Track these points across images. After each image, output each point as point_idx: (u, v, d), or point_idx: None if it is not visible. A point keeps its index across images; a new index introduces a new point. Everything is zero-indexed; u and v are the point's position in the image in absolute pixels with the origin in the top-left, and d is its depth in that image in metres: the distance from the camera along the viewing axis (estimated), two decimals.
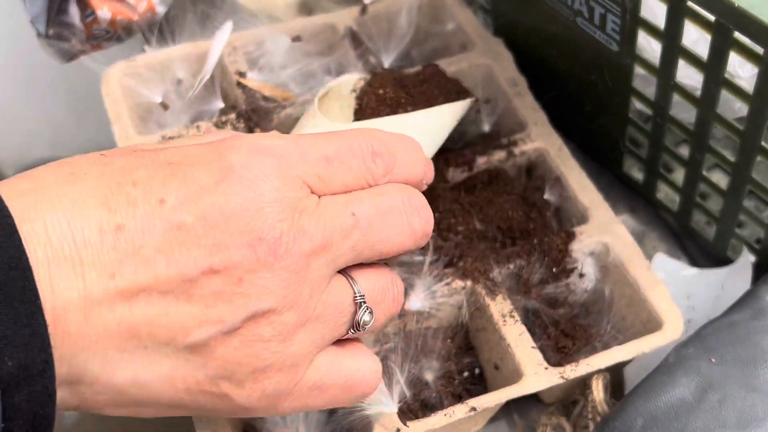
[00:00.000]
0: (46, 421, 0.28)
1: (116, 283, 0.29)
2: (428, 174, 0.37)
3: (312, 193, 0.32)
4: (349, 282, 0.33)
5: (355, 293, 0.33)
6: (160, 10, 0.59)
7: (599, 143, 0.59)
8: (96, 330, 0.29)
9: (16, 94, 1.52)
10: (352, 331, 0.34)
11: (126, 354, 0.29)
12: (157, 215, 0.30)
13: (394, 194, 0.34)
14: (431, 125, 0.46)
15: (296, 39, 0.59)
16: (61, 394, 0.29)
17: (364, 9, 0.61)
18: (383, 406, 0.42)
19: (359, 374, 0.34)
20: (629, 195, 0.59)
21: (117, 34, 0.59)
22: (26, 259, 0.28)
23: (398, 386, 0.45)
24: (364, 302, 0.33)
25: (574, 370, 0.44)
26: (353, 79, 0.51)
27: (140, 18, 0.58)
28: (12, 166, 1.70)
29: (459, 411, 0.43)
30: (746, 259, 0.52)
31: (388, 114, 0.48)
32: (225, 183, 0.30)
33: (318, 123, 0.45)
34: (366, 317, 0.33)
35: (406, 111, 0.48)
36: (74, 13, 0.57)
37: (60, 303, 0.28)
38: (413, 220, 0.34)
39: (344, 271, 0.34)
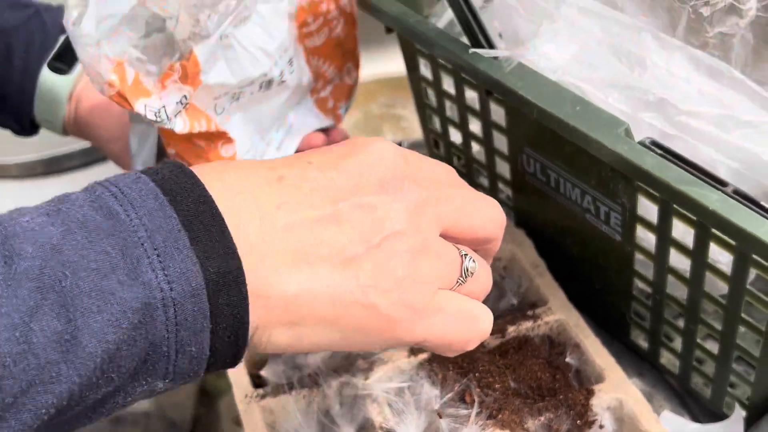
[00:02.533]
0: (242, 326, 0.35)
1: (283, 212, 0.37)
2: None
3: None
4: (448, 242, 0.42)
5: (459, 249, 0.42)
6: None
7: (609, 316, 0.70)
8: (270, 247, 0.36)
9: None
10: (461, 279, 0.41)
11: (294, 269, 0.36)
12: (308, 169, 0.39)
13: (475, 193, 0.45)
14: None
15: None
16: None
17: None
18: None
19: (477, 311, 0.42)
20: (637, 361, 0.69)
21: None
22: (210, 197, 0.35)
23: None
24: (468, 254, 0.42)
25: None
26: None
27: None
28: None
29: None
30: (738, 415, 0.61)
31: None
32: (355, 150, 0.41)
33: None
34: (471, 264, 0.42)
35: None
36: None
37: (240, 223, 0.36)
38: (492, 210, 0.45)
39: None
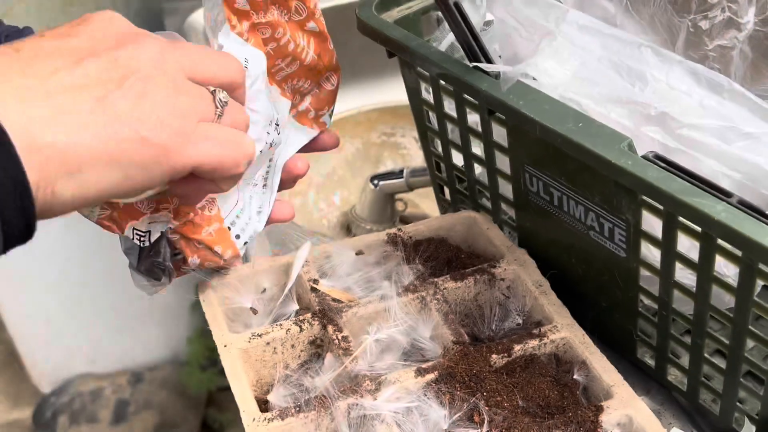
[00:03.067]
0: (25, 189, 0.37)
1: (35, 74, 0.40)
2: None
3: None
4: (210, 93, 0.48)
5: (208, 88, 0.48)
6: (242, 253, 0.66)
7: (615, 334, 0.69)
8: (31, 107, 0.39)
9: (61, 311, 1.62)
10: (218, 111, 0.47)
11: (57, 120, 0.39)
12: (41, 41, 0.42)
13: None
14: None
15: (359, 253, 0.71)
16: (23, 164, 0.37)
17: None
18: None
19: (240, 136, 0.49)
20: (644, 379, 0.69)
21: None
22: None
23: None
24: (216, 90, 0.48)
25: None
26: None
27: (226, 263, 0.66)
28: (49, 383, 1.76)
29: None
30: (749, 430, 0.61)
31: None
32: (86, 19, 0.45)
33: None
34: (222, 94, 0.47)
35: None
36: (165, 253, 0.63)
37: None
38: (229, 58, 0.52)
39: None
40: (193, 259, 0.64)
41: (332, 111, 0.72)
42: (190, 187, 0.50)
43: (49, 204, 0.39)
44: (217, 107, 0.47)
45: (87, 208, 0.59)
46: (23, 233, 0.38)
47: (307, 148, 0.72)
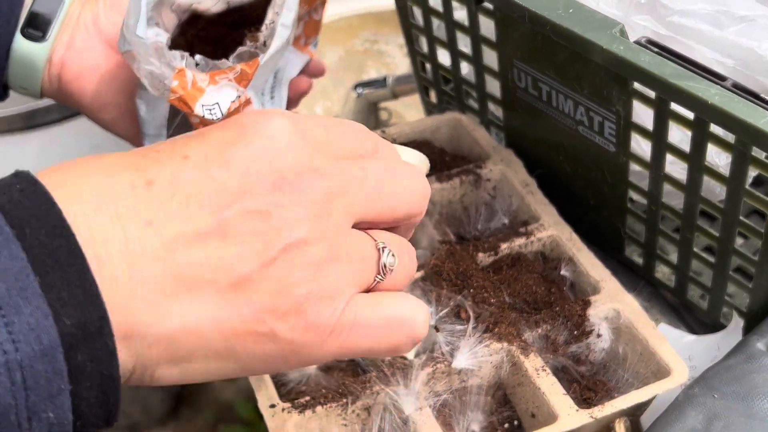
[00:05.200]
0: (112, 382, 0.30)
1: (154, 229, 0.30)
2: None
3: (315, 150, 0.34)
4: (366, 232, 0.35)
5: (376, 241, 0.35)
6: None
7: (603, 232, 0.69)
8: (141, 276, 0.30)
9: None
10: (379, 277, 0.35)
11: (173, 299, 0.30)
12: (183, 168, 0.31)
13: (396, 158, 0.37)
14: None
15: None
16: (120, 354, 0.30)
17: None
18: None
19: (402, 312, 0.35)
20: (631, 277, 0.69)
21: None
22: (67, 225, 0.29)
23: None
24: (386, 247, 0.34)
25: (601, 411, 0.52)
26: None
27: None
28: None
29: None
30: (737, 323, 0.61)
31: None
32: (244, 135, 0.33)
33: None
34: (390, 259, 0.34)
35: None
36: None
37: (103, 252, 0.29)
38: (417, 181, 0.36)
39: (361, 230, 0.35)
40: None
41: (317, 41, 0.74)
42: None
43: (146, 383, 0.33)
44: (379, 273, 0.35)
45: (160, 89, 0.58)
46: (102, 422, 0.31)
47: (303, 86, 0.73)
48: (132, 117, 0.66)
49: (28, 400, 0.28)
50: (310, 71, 0.75)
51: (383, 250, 0.35)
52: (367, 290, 0.35)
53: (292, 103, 0.71)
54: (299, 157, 0.33)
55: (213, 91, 0.59)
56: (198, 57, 0.59)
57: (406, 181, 0.36)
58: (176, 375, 0.32)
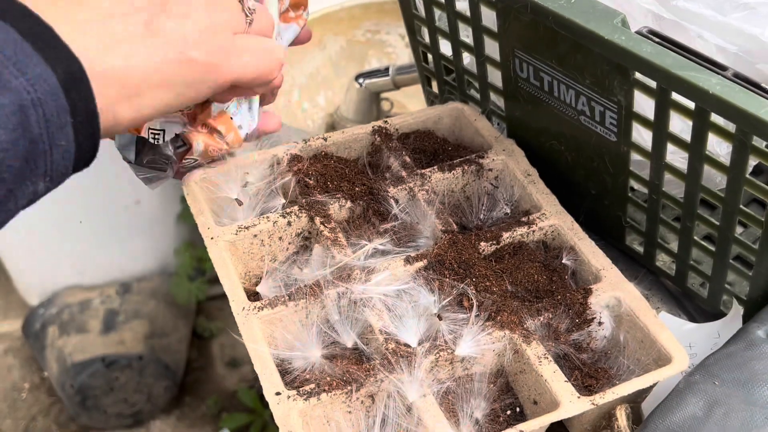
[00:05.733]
0: (95, 117, 0.40)
1: (84, 7, 0.42)
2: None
3: None
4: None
5: None
6: (244, 136, 0.65)
7: (604, 222, 0.69)
8: (90, 38, 0.41)
9: (45, 222, 1.61)
10: (248, 20, 0.49)
11: (114, 48, 0.42)
12: None
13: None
14: None
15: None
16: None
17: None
18: None
19: (271, 44, 0.51)
20: (632, 266, 0.69)
21: (202, 162, 0.66)
22: (36, 14, 0.39)
23: (466, 429, 0.53)
24: None
25: (602, 398, 0.53)
26: None
27: (228, 148, 0.65)
28: (37, 295, 1.77)
29: None
30: (737, 311, 0.62)
31: None
32: None
33: None
34: (251, 2, 0.48)
35: None
36: (167, 144, 0.63)
37: (63, 27, 0.40)
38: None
39: None
40: (197, 145, 0.63)
41: (308, 11, 0.72)
42: (229, 95, 0.53)
43: (110, 126, 0.43)
44: (247, 16, 0.49)
45: None
46: (90, 157, 0.42)
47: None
48: None
49: (49, 129, 0.38)
50: (301, 39, 0.72)
51: (243, 1, 0.49)
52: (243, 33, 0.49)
53: (263, 95, 0.69)
54: None
55: (162, 119, 0.62)
56: None
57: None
58: (131, 111, 0.43)
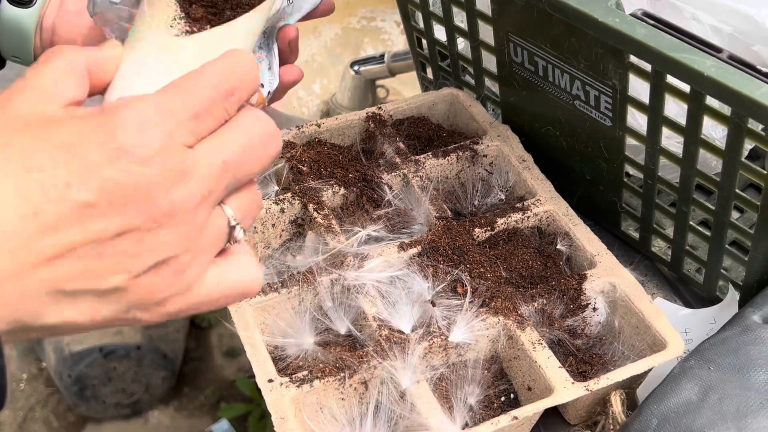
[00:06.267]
0: (2, 369, 0.36)
1: (38, 254, 0.34)
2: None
3: (189, 147, 0.37)
4: (223, 210, 0.39)
5: (229, 219, 0.39)
6: (267, 95, 0.64)
7: (600, 207, 0.69)
8: (28, 292, 0.35)
9: None
10: (228, 245, 0.40)
11: (54, 305, 0.36)
12: (65, 198, 0.35)
13: (252, 126, 0.39)
14: (248, 29, 0.49)
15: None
16: (3, 338, 0.36)
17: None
18: None
19: (243, 284, 0.40)
20: (628, 251, 0.69)
21: None
22: None
23: (460, 416, 0.53)
24: (238, 224, 0.39)
25: (597, 383, 0.53)
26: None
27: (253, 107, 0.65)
28: None
29: (503, 420, 0.51)
30: (732, 296, 0.61)
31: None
32: (119, 161, 0.35)
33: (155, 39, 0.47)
34: (240, 233, 0.39)
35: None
36: None
37: None
38: (270, 149, 0.39)
39: None
40: None
41: None
42: None
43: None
44: (230, 242, 0.40)
45: None
46: None
47: (306, 16, 0.70)
48: None
49: None
50: (319, 11, 0.70)
51: (235, 228, 0.39)
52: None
53: (284, 53, 0.68)
54: (170, 182, 0.36)
55: None
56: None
57: (262, 155, 0.39)
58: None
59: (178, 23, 0.47)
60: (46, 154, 0.35)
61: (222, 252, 0.40)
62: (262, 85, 0.65)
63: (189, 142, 0.37)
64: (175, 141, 0.37)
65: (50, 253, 0.35)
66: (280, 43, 0.69)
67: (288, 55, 0.68)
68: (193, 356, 1.79)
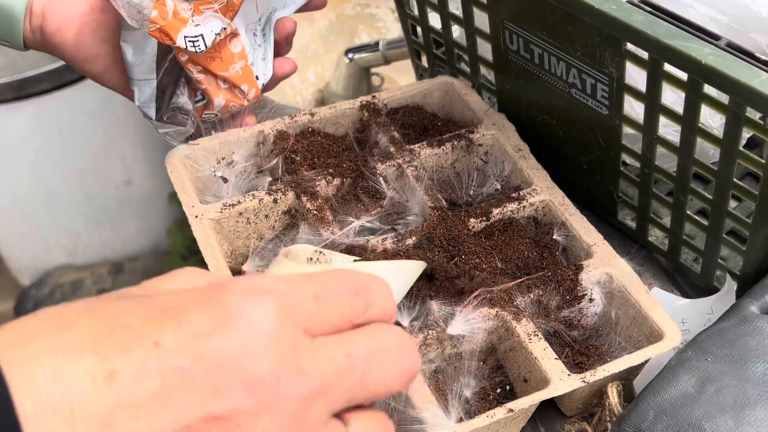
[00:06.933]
0: None
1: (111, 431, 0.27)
2: (395, 316, 0.36)
3: (304, 334, 0.31)
4: (343, 425, 0.32)
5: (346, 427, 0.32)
6: (261, 87, 0.66)
7: (596, 197, 0.68)
8: None
9: (35, 202, 1.60)
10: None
11: None
12: (152, 359, 0.28)
13: (386, 334, 0.33)
14: (400, 275, 0.51)
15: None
16: None
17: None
18: (443, 429, 0.50)
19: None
20: (625, 241, 0.68)
21: (221, 116, 0.66)
22: (15, 416, 0.26)
23: (455, 409, 0.52)
24: None
25: (593, 375, 0.52)
26: (309, 249, 0.54)
27: (248, 104, 0.65)
28: (29, 275, 1.75)
29: (499, 413, 0.50)
30: (730, 286, 0.61)
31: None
32: (222, 325, 0.29)
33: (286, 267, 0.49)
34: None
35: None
36: (186, 99, 0.64)
37: None
38: (406, 361, 0.33)
39: (338, 414, 0.32)
40: (219, 100, 0.64)
41: None
42: None
43: None
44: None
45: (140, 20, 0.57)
46: None
47: (302, 8, 0.70)
48: (120, 68, 0.64)
49: None
50: (312, 5, 0.71)
51: None
52: None
53: (279, 45, 0.69)
54: (281, 357, 0.30)
55: (197, 22, 0.58)
56: None
57: (395, 363, 0.32)
58: None
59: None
60: (137, 316, 0.29)
61: None
62: (257, 77, 0.65)
63: (303, 323, 0.31)
64: (288, 312, 0.31)
65: None
66: (277, 35, 0.68)
67: (282, 46, 0.67)
68: None
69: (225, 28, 0.60)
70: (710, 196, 0.57)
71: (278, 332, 0.30)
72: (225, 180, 0.65)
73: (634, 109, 0.59)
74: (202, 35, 0.59)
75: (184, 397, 0.28)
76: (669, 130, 0.59)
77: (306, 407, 0.30)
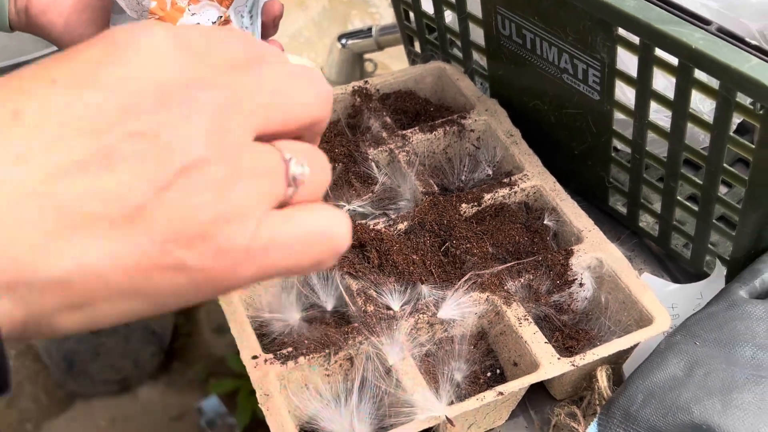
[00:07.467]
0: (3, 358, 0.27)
1: (27, 165, 0.27)
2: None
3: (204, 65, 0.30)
4: (273, 145, 0.31)
5: (281, 152, 0.30)
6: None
7: (587, 182, 0.68)
8: (18, 218, 0.26)
9: None
10: (291, 189, 0.30)
11: (60, 239, 0.27)
12: (52, 93, 0.28)
13: (291, 64, 0.32)
14: None
15: None
16: (4, 307, 0.27)
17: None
18: (434, 411, 0.50)
19: (320, 224, 0.31)
20: (615, 227, 0.69)
21: None
22: None
23: (445, 392, 0.52)
24: (293, 157, 0.30)
25: (583, 359, 0.52)
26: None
27: None
28: None
29: (489, 396, 0.51)
30: (720, 271, 0.61)
31: None
32: (117, 51, 0.29)
33: None
34: (298, 169, 0.30)
35: None
36: None
37: None
38: (317, 84, 0.32)
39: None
40: None
41: None
42: None
43: (47, 335, 0.29)
44: (290, 185, 0.31)
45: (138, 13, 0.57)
46: None
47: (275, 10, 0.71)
48: None
49: None
50: None
51: (291, 161, 0.30)
52: (281, 206, 0.31)
53: (267, 27, 0.67)
54: (184, 68, 0.29)
55: (193, 11, 0.59)
56: None
57: (304, 83, 0.32)
58: (80, 321, 0.29)
59: None
60: (28, 69, 0.29)
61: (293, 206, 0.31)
62: None
63: (205, 59, 0.31)
64: (185, 36, 0.31)
65: (40, 162, 0.27)
66: (264, 17, 0.68)
67: (269, 29, 0.67)
68: (182, 332, 1.79)
69: (221, 17, 0.60)
70: (700, 182, 0.57)
71: (178, 52, 0.30)
72: None
73: (626, 94, 0.59)
74: (199, 24, 0.59)
75: (95, 120, 0.28)
76: (660, 115, 0.59)
77: (224, 114, 0.29)
